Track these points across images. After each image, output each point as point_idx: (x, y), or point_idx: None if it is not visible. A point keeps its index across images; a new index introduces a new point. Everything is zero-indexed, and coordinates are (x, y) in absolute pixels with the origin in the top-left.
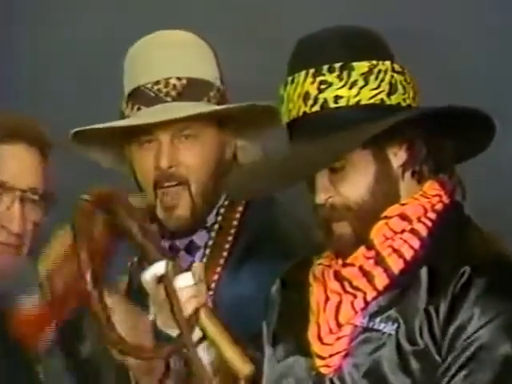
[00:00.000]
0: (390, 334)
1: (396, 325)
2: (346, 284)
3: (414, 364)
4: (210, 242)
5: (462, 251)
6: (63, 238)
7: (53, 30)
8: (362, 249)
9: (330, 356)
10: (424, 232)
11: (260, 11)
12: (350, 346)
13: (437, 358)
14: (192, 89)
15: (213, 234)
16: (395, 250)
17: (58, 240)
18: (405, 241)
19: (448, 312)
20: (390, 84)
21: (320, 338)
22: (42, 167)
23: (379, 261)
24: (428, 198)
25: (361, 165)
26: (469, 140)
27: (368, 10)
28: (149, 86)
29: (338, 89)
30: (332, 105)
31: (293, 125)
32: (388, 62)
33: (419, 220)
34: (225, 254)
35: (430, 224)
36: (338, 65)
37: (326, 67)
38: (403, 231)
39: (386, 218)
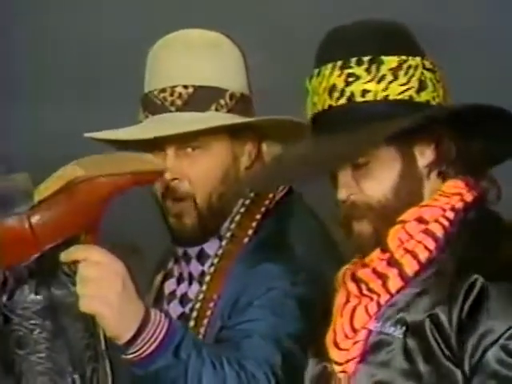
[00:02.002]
0: (398, 338)
1: (404, 328)
2: (363, 286)
3: (423, 367)
4: (220, 251)
5: (476, 255)
6: (67, 170)
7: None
8: (377, 251)
9: (347, 362)
10: (439, 232)
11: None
12: (364, 352)
13: (446, 362)
14: (199, 98)
15: (224, 241)
16: (409, 251)
17: (62, 172)
18: (419, 242)
19: (462, 322)
20: (420, 80)
21: (336, 344)
22: None
23: (393, 262)
24: (448, 196)
25: (386, 161)
26: (501, 141)
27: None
28: (155, 93)
29: (365, 82)
30: (359, 98)
31: (317, 118)
32: (418, 58)
33: (436, 220)
34: (234, 262)
35: (446, 224)
36: (366, 58)
37: (354, 60)
38: (419, 233)
39: (403, 222)
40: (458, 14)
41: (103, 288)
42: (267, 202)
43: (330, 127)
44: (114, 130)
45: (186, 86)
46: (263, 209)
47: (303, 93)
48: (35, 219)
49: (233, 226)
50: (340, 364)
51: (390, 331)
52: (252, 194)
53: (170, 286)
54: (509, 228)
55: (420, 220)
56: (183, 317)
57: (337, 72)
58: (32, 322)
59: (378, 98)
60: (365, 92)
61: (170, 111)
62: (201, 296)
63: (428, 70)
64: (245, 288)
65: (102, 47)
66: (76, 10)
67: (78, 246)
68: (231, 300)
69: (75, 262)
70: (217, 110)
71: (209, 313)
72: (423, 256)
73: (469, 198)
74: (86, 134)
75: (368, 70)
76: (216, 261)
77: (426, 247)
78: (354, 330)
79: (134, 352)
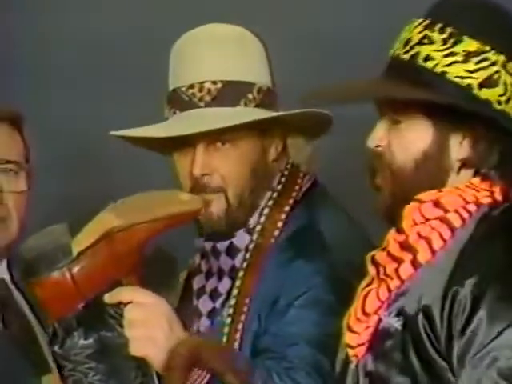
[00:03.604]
0: (398, 329)
1: (403, 319)
2: (381, 270)
3: (415, 361)
4: (251, 245)
5: (491, 254)
6: (103, 220)
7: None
8: (393, 232)
9: (358, 346)
10: (457, 223)
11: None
12: (372, 339)
13: (437, 358)
14: (227, 93)
15: (255, 236)
16: (424, 237)
17: (99, 221)
18: (433, 228)
19: (452, 324)
20: (489, 77)
21: (350, 327)
22: (13, 139)
23: (407, 246)
24: (476, 190)
25: (419, 132)
26: None
27: None
28: (183, 89)
29: (435, 50)
30: (420, 62)
31: (389, 61)
32: (503, 57)
33: (455, 210)
34: (266, 257)
35: (466, 215)
36: (449, 29)
37: (439, 26)
38: (435, 218)
39: (419, 201)
40: None
41: (150, 329)
42: (294, 194)
43: (389, 73)
44: (143, 128)
45: (214, 82)
46: (291, 201)
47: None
48: (76, 272)
49: (262, 219)
50: (352, 347)
51: (393, 321)
52: (279, 187)
53: (198, 281)
54: None
55: (436, 204)
56: (214, 312)
57: (419, 28)
58: (86, 366)
59: (437, 70)
60: (428, 58)
61: (199, 107)
62: (235, 292)
63: (510, 73)
64: (282, 288)
65: (103, 41)
66: (76, 4)
67: (121, 289)
68: (269, 300)
69: (120, 304)
70: (246, 104)
71: (245, 309)
72: (437, 245)
73: (499, 196)
74: (113, 133)
75: (445, 41)
76: (248, 256)
77: (441, 236)
78: (366, 314)
79: None
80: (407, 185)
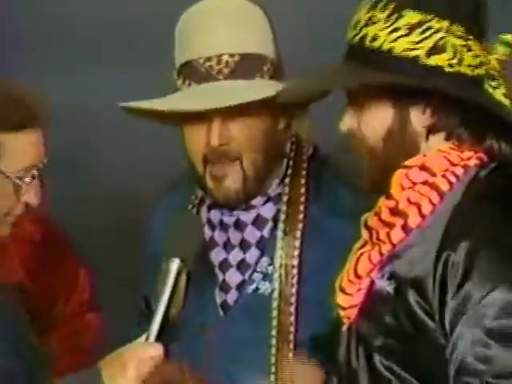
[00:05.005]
0: (390, 292)
1: (395, 283)
2: (374, 234)
3: (407, 325)
4: (282, 216)
5: (481, 217)
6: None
7: None
8: (383, 199)
9: (350, 307)
10: (445, 187)
11: None
12: (365, 301)
13: (429, 322)
14: (245, 65)
15: (283, 206)
16: (413, 203)
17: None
18: (423, 194)
19: (449, 281)
20: (435, 44)
21: (342, 288)
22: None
23: (397, 212)
24: (461, 151)
25: (378, 111)
26: None
27: None
28: (200, 61)
29: (380, 29)
30: (367, 43)
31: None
32: (446, 22)
33: (443, 175)
34: (300, 225)
35: (453, 180)
36: (391, 6)
37: (381, 4)
38: (423, 183)
39: (405, 167)
40: None
41: None
42: (305, 158)
43: (345, 59)
44: (161, 100)
45: (232, 55)
46: (305, 165)
47: None
48: None
49: (286, 189)
50: (344, 309)
51: (385, 285)
52: (292, 154)
53: (218, 254)
54: None
55: (422, 167)
56: (244, 284)
57: (366, 9)
58: None
59: (383, 48)
60: (374, 38)
61: (218, 80)
62: (278, 262)
63: (457, 36)
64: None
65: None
66: None
67: None
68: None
69: None
70: (261, 77)
71: (294, 280)
72: (427, 209)
73: (485, 158)
74: (122, 104)
75: (388, 18)
76: (282, 226)
77: (430, 201)
78: (358, 276)
79: None
80: (382, 160)
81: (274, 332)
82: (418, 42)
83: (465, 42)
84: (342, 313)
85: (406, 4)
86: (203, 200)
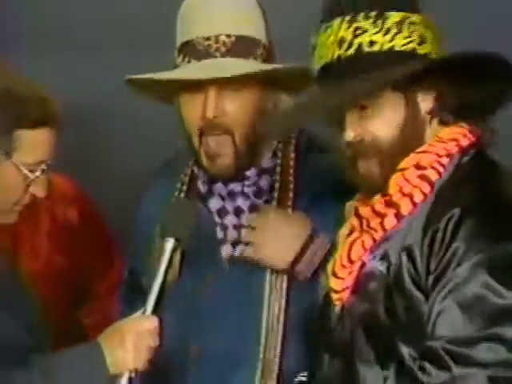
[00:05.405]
0: (382, 272)
1: (387, 263)
2: (364, 222)
3: (400, 302)
4: (276, 185)
5: (462, 193)
6: None
7: None
8: (379, 196)
9: (343, 290)
10: (434, 177)
11: None
12: (357, 283)
13: (419, 295)
14: (240, 46)
15: (276, 177)
16: (406, 195)
17: None
18: (415, 186)
19: (434, 250)
20: (421, 35)
21: (335, 273)
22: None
23: (391, 203)
24: (444, 142)
25: (392, 105)
26: (497, 89)
27: None
28: (200, 40)
29: (372, 34)
30: (366, 49)
31: (325, 69)
32: (419, 15)
33: (432, 166)
34: (291, 194)
35: (441, 169)
36: (373, 13)
37: (362, 15)
38: (416, 178)
39: (402, 169)
40: None
41: None
42: (294, 135)
43: (339, 75)
44: (165, 72)
45: (228, 35)
46: (293, 140)
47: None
48: None
49: (278, 161)
50: (337, 292)
51: (377, 265)
52: None
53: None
54: (505, 171)
55: (417, 166)
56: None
57: (345, 25)
58: None
59: (384, 49)
60: (372, 43)
61: (215, 57)
62: None
63: (427, 26)
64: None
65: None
66: None
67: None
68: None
69: None
70: (255, 59)
71: None
72: (418, 198)
73: (464, 143)
74: (128, 77)
75: (375, 24)
76: (276, 194)
77: (421, 191)
78: (351, 261)
79: None
80: (398, 153)
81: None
82: (409, 36)
83: (432, 31)
84: (335, 296)
85: (382, 9)
86: (195, 177)
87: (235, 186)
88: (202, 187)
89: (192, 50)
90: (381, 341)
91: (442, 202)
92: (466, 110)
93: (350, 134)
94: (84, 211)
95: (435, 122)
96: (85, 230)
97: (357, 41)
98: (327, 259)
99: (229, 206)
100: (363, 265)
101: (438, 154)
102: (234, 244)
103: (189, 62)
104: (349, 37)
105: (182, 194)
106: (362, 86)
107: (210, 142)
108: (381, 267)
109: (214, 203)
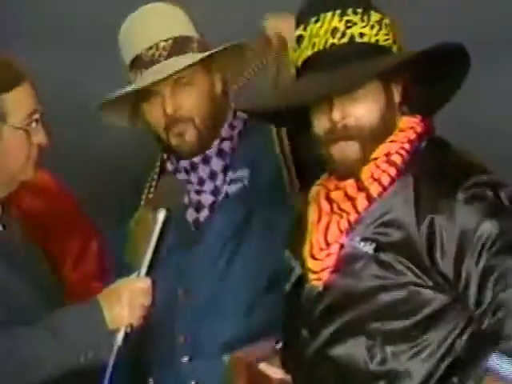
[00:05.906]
0: (368, 253)
1: (374, 245)
2: (335, 205)
3: (393, 278)
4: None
5: (443, 169)
6: None
7: None
8: (351, 181)
9: (322, 270)
10: (399, 161)
11: None
12: (338, 263)
13: (416, 271)
14: (177, 45)
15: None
16: (376, 180)
17: None
18: (384, 171)
19: (434, 241)
20: (394, 35)
21: (313, 255)
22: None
23: (361, 187)
24: (404, 131)
25: (374, 92)
26: (449, 80)
27: None
28: (144, 52)
29: (362, 27)
30: (358, 39)
31: (317, 56)
32: (389, 18)
33: (396, 152)
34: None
35: (404, 153)
36: (360, 9)
37: (350, 10)
38: (384, 163)
39: (375, 159)
40: None
41: None
42: (242, 120)
43: (333, 62)
44: (122, 89)
45: (166, 40)
46: (241, 125)
47: None
48: None
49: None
50: (315, 272)
51: (360, 246)
52: (231, 117)
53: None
54: (455, 151)
55: (387, 154)
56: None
57: (337, 18)
58: None
59: (372, 41)
60: (362, 35)
61: (160, 62)
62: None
63: (395, 28)
64: None
65: None
66: None
67: None
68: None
69: None
70: (193, 52)
71: None
72: (386, 181)
73: (420, 129)
74: (94, 104)
75: (362, 19)
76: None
77: (388, 174)
78: (328, 244)
79: None
80: (378, 137)
81: None
82: (388, 34)
83: (396, 31)
84: (312, 276)
85: (368, 7)
86: (164, 169)
87: (197, 159)
88: (170, 167)
89: (140, 63)
90: (356, 316)
91: (428, 189)
92: (420, 104)
93: (336, 115)
94: (60, 201)
95: (400, 112)
96: (59, 219)
97: (349, 31)
98: None
99: (192, 177)
100: (341, 246)
101: (401, 142)
102: (197, 209)
103: (141, 73)
104: (342, 28)
105: (154, 183)
106: (365, 71)
107: (176, 130)
108: (365, 248)
109: (181, 176)
